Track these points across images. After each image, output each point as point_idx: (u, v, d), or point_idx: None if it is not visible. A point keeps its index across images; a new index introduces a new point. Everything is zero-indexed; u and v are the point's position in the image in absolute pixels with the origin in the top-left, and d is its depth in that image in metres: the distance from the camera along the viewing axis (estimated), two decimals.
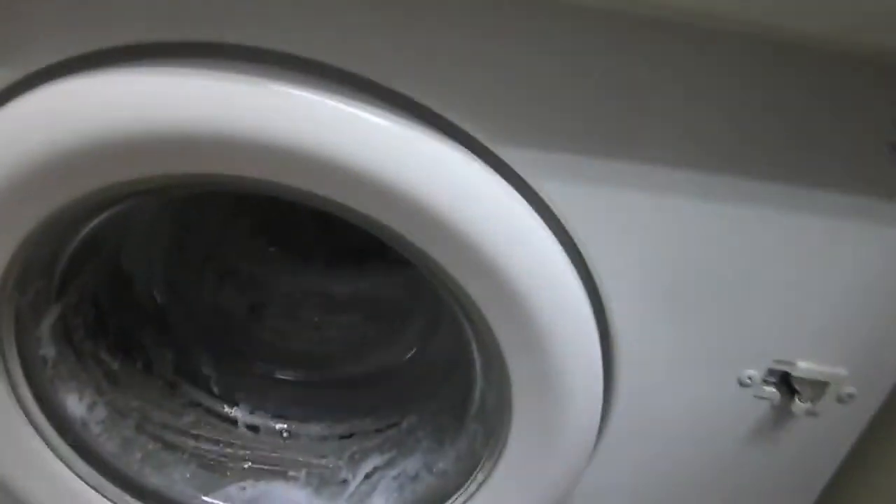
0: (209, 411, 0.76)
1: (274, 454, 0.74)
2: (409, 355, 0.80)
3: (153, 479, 0.68)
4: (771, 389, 0.59)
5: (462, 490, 0.61)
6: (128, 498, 0.66)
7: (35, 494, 0.64)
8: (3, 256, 0.51)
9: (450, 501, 0.62)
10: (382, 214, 0.45)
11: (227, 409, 0.77)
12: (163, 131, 0.42)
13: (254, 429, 0.76)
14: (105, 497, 0.65)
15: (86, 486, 0.65)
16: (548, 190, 0.48)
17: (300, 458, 0.74)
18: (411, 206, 0.44)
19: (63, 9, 0.43)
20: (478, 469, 0.59)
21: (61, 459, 0.63)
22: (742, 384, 0.58)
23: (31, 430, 0.61)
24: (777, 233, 0.51)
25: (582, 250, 0.50)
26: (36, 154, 0.45)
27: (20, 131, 0.44)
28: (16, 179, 0.45)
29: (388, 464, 0.70)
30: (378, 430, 0.74)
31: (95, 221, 0.56)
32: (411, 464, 0.69)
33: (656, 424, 0.59)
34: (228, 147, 0.42)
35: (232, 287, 0.81)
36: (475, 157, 0.46)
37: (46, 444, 0.62)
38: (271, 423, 0.77)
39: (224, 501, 0.69)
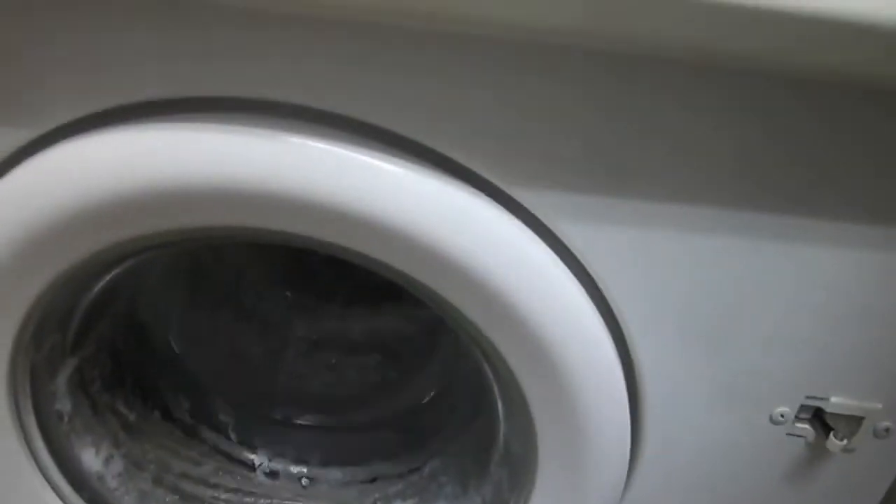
0: (228, 458, 0.75)
1: (295, 502, 0.73)
2: (429, 397, 0.79)
3: None
4: (804, 426, 0.57)
5: None
6: None
7: None
8: (18, 313, 0.51)
9: None
10: (400, 263, 0.44)
11: (246, 454, 0.75)
12: (182, 186, 0.42)
13: (273, 475, 0.75)
14: None
15: None
16: (565, 230, 0.47)
17: None
18: (429, 253, 0.43)
19: (75, 69, 0.43)
20: None
21: None
22: (774, 422, 0.56)
23: (46, 486, 0.60)
24: (801, 266, 0.49)
25: (604, 291, 0.49)
26: (54, 210, 0.44)
27: (34, 190, 0.44)
28: (32, 237, 0.45)
29: None
30: (400, 476, 0.72)
31: (111, 274, 0.55)
32: None
33: (686, 468, 0.57)
34: (247, 200, 0.42)
35: (248, 333, 0.80)
36: (491, 200, 0.45)
37: (62, 500, 0.61)
38: (291, 469, 0.75)
39: None
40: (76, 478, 0.62)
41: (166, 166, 0.42)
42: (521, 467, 0.54)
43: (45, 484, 0.60)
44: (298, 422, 0.79)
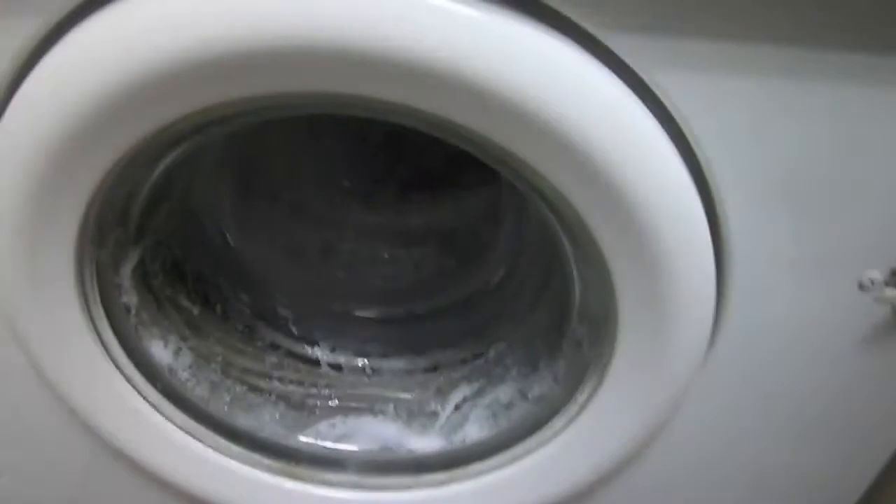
0: (290, 353, 0.75)
1: (359, 391, 0.73)
2: (492, 284, 0.78)
3: (244, 420, 0.68)
4: (894, 292, 0.54)
5: (563, 412, 0.59)
6: (221, 440, 0.66)
7: (129, 443, 0.64)
8: (80, 204, 0.50)
9: (549, 425, 0.60)
10: (479, 120, 0.41)
11: (307, 349, 0.76)
12: (292, 44, 0.39)
13: (336, 367, 0.75)
14: (199, 440, 0.65)
15: (179, 430, 0.65)
16: (658, 81, 0.43)
17: (386, 394, 0.73)
18: (510, 104, 0.40)
19: None
20: (580, 388, 0.57)
21: (153, 406, 0.63)
22: (862, 287, 0.54)
23: (120, 378, 0.61)
24: None
25: (693, 145, 0.46)
26: (155, 63, 0.42)
27: (103, 53, 0.41)
28: (101, 104, 0.42)
29: (478, 393, 0.69)
30: (463, 361, 0.72)
31: (167, 160, 0.54)
32: (503, 392, 0.67)
33: (770, 334, 0.56)
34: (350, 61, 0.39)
35: (303, 225, 0.79)
36: (578, 45, 0.42)
37: (137, 391, 0.62)
38: (353, 361, 0.76)
39: (316, 439, 0.69)
40: (148, 370, 0.63)
41: (254, 23, 0.39)
42: (601, 328, 0.52)
43: (120, 376, 0.60)
44: (358, 314, 0.79)
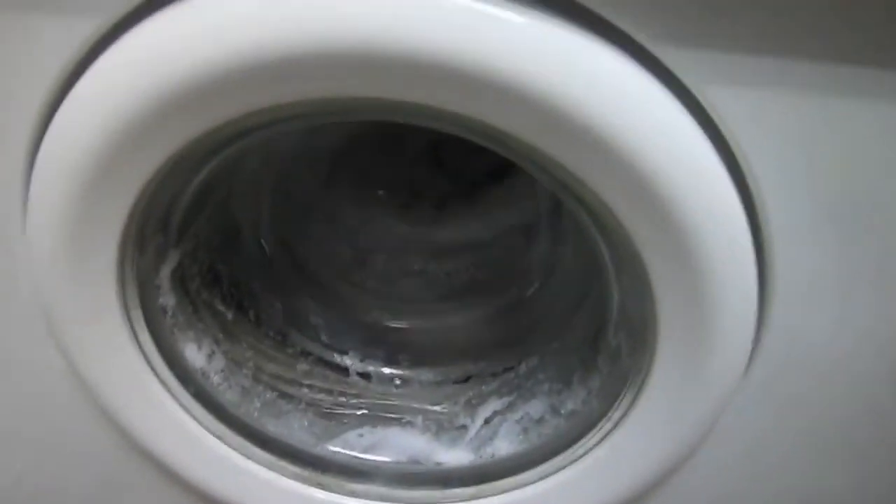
0: (320, 361, 0.75)
1: (388, 401, 0.73)
2: (527, 294, 0.77)
3: (273, 427, 0.68)
4: None
5: (596, 428, 0.58)
6: (250, 446, 0.66)
7: (157, 443, 0.65)
8: (125, 208, 0.50)
9: (581, 441, 0.59)
10: (518, 123, 0.41)
11: (337, 357, 0.76)
12: (347, 48, 0.39)
13: (366, 376, 0.75)
14: (228, 445, 0.65)
15: (209, 433, 0.65)
16: (707, 94, 0.43)
17: (415, 405, 0.72)
18: (559, 113, 0.40)
19: None
20: (615, 404, 0.56)
21: (184, 408, 0.63)
22: None
23: (154, 379, 0.61)
24: None
25: (740, 160, 0.45)
26: (207, 65, 0.42)
27: (159, 54, 0.42)
28: (151, 107, 0.43)
29: (509, 408, 0.68)
30: (494, 375, 0.72)
31: (212, 164, 0.54)
32: (534, 407, 0.66)
33: (812, 351, 0.54)
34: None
35: (338, 234, 0.80)
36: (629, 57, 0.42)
37: (170, 393, 0.62)
38: (383, 371, 0.75)
39: (344, 448, 0.69)
40: (181, 373, 0.63)
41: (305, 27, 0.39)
42: (639, 342, 0.52)
43: (154, 377, 0.61)
44: (388, 324, 0.79)
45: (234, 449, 0.65)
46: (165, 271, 0.60)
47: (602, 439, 0.58)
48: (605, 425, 0.58)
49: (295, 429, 0.69)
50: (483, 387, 0.71)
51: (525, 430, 0.66)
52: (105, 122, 0.45)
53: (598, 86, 0.41)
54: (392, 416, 0.71)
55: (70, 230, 0.50)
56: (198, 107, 0.43)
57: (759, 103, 0.43)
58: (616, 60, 0.41)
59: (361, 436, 0.70)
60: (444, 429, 0.70)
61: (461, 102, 0.41)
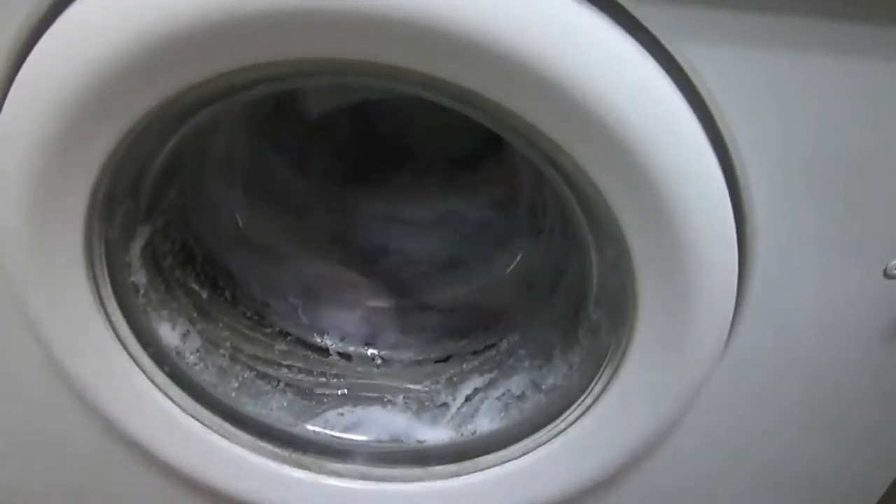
0: (299, 341, 0.74)
1: (368, 381, 0.72)
2: (504, 275, 0.77)
3: (251, 407, 0.67)
4: None
5: (577, 403, 0.58)
6: (228, 426, 0.65)
7: (135, 426, 0.63)
8: (90, 175, 0.49)
9: (563, 416, 0.59)
10: (491, 84, 0.40)
11: (316, 338, 0.75)
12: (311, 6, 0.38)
13: (346, 356, 0.74)
14: (206, 426, 0.64)
15: (186, 415, 0.64)
16: (683, 51, 0.42)
17: (395, 384, 0.71)
18: (532, 72, 0.39)
19: None
20: (596, 378, 0.55)
21: (160, 389, 0.62)
22: (888, 276, 0.52)
23: (128, 359, 0.60)
24: None
25: (717, 121, 0.44)
26: (165, 27, 0.40)
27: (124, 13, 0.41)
28: (116, 67, 0.42)
29: (490, 385, 0.67)
30: (475, 353, 0.71)
31: (178, 135, 0.53)
32: (515, 383, 0.66)
33: (792, 321, 0.54)
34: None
35: (315, 212, 0.78)
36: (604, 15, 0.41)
37: (144, 373, 0.61)
38: (363, 351, 0.75)
39: (323, 428, 0.68)
40: (156, 352, 0.62)
41: None
42: (619, 316, 0.51)
43: (127, 357, 0.59)
44: (368, 304, 0.78)
45: (213, 430, 0.64)
46: (136, 248, 0.58)
47: (583, 414, 0.58)
48: (586, 400, 0.57)
49: (274, 409, 0.68)
50: (464, 365, 0.71)
51: (506, 407, 0.65)
52: (58, 93, 0.44)
53: (573, 45, 0.40)
54: (373, 395, 0.71)
55: (32, 203, 0.49)
56: (152, 74, 0.42)
57: (735, 62, 0.42)
58: (592, 19, 0.40)
59: (342, 415, 0.69)
60: (424, 407, 0.69)
61: (437, 63, 0.40)
